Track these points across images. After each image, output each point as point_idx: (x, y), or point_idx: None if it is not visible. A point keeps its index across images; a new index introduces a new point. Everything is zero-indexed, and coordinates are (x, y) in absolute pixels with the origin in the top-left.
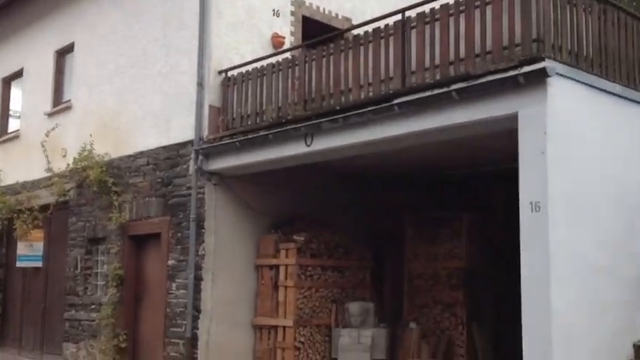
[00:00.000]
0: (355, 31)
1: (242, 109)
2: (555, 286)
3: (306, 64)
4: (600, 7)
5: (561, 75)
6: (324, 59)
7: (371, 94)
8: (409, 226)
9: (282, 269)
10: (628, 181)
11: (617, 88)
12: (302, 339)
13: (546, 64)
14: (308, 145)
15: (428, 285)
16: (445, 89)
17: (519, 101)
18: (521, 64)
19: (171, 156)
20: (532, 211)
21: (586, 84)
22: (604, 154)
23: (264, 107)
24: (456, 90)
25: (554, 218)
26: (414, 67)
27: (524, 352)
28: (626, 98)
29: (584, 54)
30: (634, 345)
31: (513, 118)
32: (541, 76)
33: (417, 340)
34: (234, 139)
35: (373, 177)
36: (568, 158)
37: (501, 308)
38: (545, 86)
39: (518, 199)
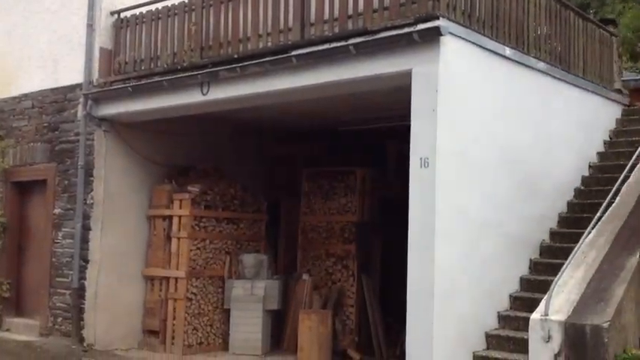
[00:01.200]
0: None
1: (135, 54)
2: (440, 240)
3: (204, 10)
4: None
5: (454, 35)
6: (223, 5)
7: (270, 44)
8: (306, 180)
9: (175, 220)
10: (516, 141)
11: (507, 50)
12: (194, 290)
13: (440, 22)
14: (204, 94)
15: (322, 238)
16: (343, 43)
17: (413, 58)
18: (416, 22)
19: (59, 99)
20: (421, 166)
21: (478, 45)
22: (493, 115)
23: (158, 52)
24: (353, 44)
25: (442, 174)
26: (313, 19)
27: (408, 303)
28: (515, 61)
29: (477, 15)
30: (510, 296)
31: (408, 75)
32: (434, 35)
33: (309, 291)
34: (127, 85)
35: (271, 129)
36: (458, 117)
37: (390, 261)
38: (438, 45)
39: (408, 154)
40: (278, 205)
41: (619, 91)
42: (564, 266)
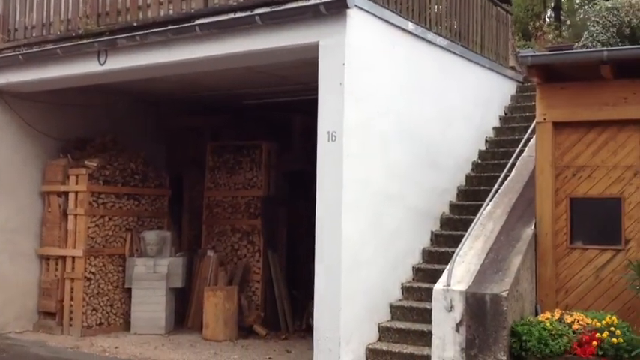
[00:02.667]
0: None
1: (26, 20)
2: (347, 212)
3: None
4: None
5: (360, 8)
6: None
7: (171, 12)
8: (210, 155)
9: (71, 196)
10: (417, 115)
11: (410, 25)
12: (93, 269)
13: None
14: (101, 64)
15: (227, 213)
16: (248, 13)
17: (320, 31)
18: None
19: None
20: (328, 140)
21: (382, 19)
22: (396, 89)
23: (51, 18)
24: (259, 15)
25: (349, 148)
26: None
27: (315, 276)
28: (418, 36)
29: None
30: (413, 267)
31: (315, 48)
32: (341, 7)
33: (214, 267)
34: (17, 52)
35: (175, 102)
36: (364, 91)
37: (296, 235)
38: (345, 17)
39: (314, 128)
40: (181, 180)
41: (513, 68)
42: (464, 238)
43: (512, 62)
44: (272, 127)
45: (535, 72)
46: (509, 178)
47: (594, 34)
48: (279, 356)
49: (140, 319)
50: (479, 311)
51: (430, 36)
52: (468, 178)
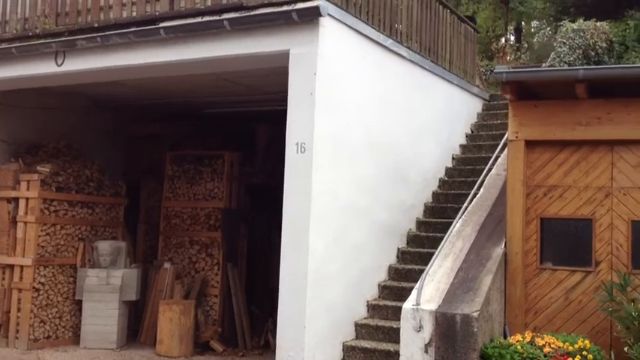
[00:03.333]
0: None
1: None
2: (314, 226)
3: None
4: None
5: (333, 17)
6: None
7: (135, 13)
8: (170, 163)
9: (22, 203)
10: (386, 129)
11: (381, 37)
12: (42, 279)
13: (320, 2)
14: (59, 65)
15: (186, 225)
16: (217, 17)
17: (291, 39)
18: (296, 0)
19: None
20: (297, 152)
21: (354, 29)
22: (366, 102)
23: (7, 17)
24: (228, 20)
25: (318, 160)
26: None
27: (280, 291)
28: (389, 49)
29: None
30: (379, 285)
31: (285, 56)
32: (314, 15)
33: (170, 280)
34: None
35: (134, 108)
36: (334, 102)
37: (257, 248)
38: (317, 26)
39: (279, 140)
40: (138, 188)
41: (478, 87)
42: (434, 256)
43: (477, 80)
44: (235, 138)
45: (509, 89)
46: (478, 196)
47: (561, 55)
48: None
49: (90, 333)
50: (449, 332)
51: (400, 49)
52: (435, 194)
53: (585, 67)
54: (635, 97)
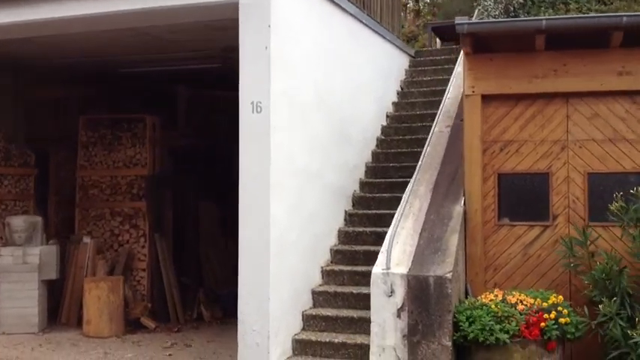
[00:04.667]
0: None
1: None
2: (274, 192)
3: None
4: None
5: None
6: None
7: None
8: (83, 129)
9: None
10: (331, 86)
11: None
12: None
13: None
14: None
15: (105, 195)
16: None
17: None
18: None
19: None
20: (253, 111)
21: None
22: (314, 56)
23: None
24: None
25: (275, 120)
26: None
27: (240, 262)
28: (331, 0)
29: None
30: (331, 250)
31: (231, 7)
32: None
33: (91, 255)
34: None
35: (37, 69)
36: (286, 57)
37: (184, 215)
38: None
39: (203, 100)
40: (46, 158)
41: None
42: (395, 217)
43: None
44: (153, 99)
45: (469, 41)
46: (425, 154)
47: (488, 9)
48: (179, 352)
49: (9, 317)
50: (422, 295)
51: (342, 1)
52: (374, 154)
53: (547, 17)
54: (590, 48)
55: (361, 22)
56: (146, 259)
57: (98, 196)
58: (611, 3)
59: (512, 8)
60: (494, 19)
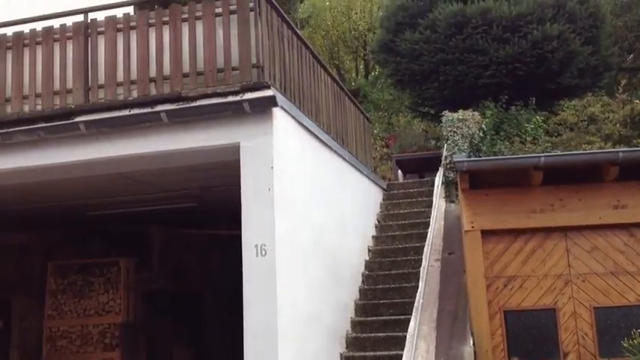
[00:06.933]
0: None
1: None
2: (282, 338)
3: None
4: (298, 44)
5: (282, 107)
6: None
7: (39, 107)
8: (52, 276)
9: None
10: (324, 225)
11: (315, 128)
12: None
13: (274, 92)
14: None
15: (75, 346)
16: (148, 110)
17: (242, 131)
18: (243, 90)
19: None
20: (257, 254)
21: (296, 120)
22: (309, 196)
23: None
24: (166, 111)
25: (280, 263)
26: (102, 80)
27: None
28: (320, 140)
29: (290, 88)
30: None
31: (231, 149)
32: (268, 105)
33: None
34: None
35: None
36: (288, 197)
37: None
38: (271, 116)
39: (177, 240)
40: (8, 308)
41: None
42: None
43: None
44: (122, 241)
45: (466, 178)
46: (421, 291)
47: (458, 143)
48: None
49: None
50: None
51: (329, 141)
52: (362, 290)
53: (545, 154)
54: (585, 182)
55: (343, 158)
56: None
57: (67, 348)
58: (560, 135)
59: (475, 142)
60: (493, 157)
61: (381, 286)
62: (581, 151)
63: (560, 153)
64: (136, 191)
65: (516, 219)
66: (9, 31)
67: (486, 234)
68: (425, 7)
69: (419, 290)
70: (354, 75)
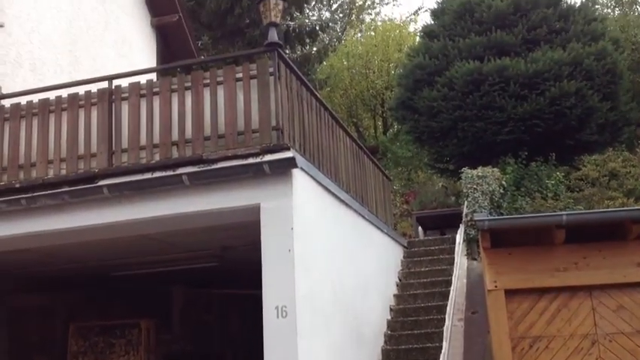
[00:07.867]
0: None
1: None
2: None
3: None
4: (317, 106)
5: (301, 168)
6: None
7: (64, 171)
8: (73, 338)
9: None
10: (345, 285)
11: (335, 187)
12: None
13: (293, 153)
14: None
15: None
16: (170, 172)
17: (262, 192)
18: (263, 152)
19: None
20: (278, 316)
21: (316, 180)
22: (330, 256)
23: None
24: (187, 174)
25: (301, 325)
26: (125, 144)
27: None
28: (340, 199)
29: (310, 148)
30: None
31: (251, 210)
32: (288, 167)
33: None
34: None
35: (16, 276)
36: (308, 258)
37: None
38: (290, 177)
39: (198, 300)
40: None
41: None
42: None
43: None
44: (142, 302)
45: (488, 236)
46: (444, 352)
47: (478, 200)
48: None
49: None
50: None
51: (349, 200)
52: (385, 351)
53: (567, 212)
54: (607, 241)
55: (363, 217)
56: None
57: None
58: (582, 190)
59: (495, 198)
60: (515, 215)
61: (404, 347)
62: (603, 209)
63: (582, 211)
64: (158, 251)
65: (540, 278)
66: (35, 98)
67: (510, 293)
68: (442, 65)
69: (443, 351)
70: (372, 132)
